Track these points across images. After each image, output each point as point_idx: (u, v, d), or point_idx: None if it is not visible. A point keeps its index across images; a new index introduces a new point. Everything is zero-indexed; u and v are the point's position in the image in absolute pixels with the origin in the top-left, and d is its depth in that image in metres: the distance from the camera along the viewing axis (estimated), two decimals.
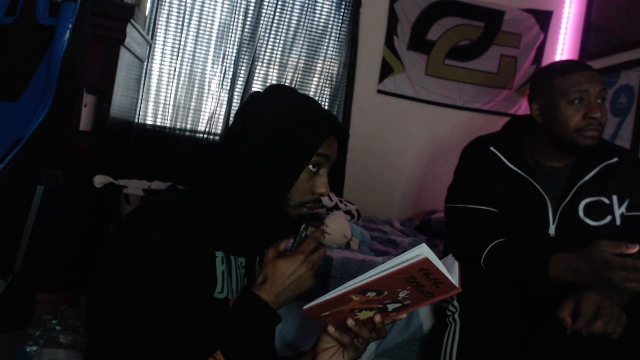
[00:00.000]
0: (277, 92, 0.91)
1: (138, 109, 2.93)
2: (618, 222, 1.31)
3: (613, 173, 1.33)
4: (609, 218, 1.31)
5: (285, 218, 0.88)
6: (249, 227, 0.90)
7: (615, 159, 1.33)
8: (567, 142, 1.30)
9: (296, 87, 3.12)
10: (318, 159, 0.87)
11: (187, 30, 2.98)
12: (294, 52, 3.11)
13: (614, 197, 1.32)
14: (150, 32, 2.90)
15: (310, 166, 0.87)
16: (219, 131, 3.06)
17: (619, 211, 1.31)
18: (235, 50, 3.03)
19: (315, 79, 3.18)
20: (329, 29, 3.14)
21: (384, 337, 0.86)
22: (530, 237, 1.33)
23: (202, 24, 3.00)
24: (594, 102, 1.26)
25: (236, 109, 3.01)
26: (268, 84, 3.08)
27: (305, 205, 0.89)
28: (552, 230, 1.33)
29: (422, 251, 0.69)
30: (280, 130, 0.84)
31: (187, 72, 3.01)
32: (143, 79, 2.93)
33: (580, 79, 1.27)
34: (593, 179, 1.32)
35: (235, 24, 3.02)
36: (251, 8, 3.03)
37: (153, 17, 2.91)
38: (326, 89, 3.17)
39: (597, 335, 1.07)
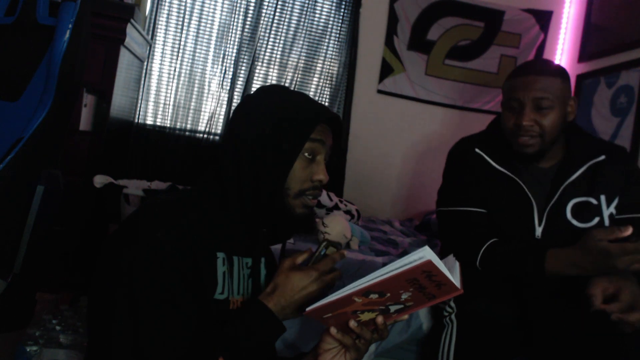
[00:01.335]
0: (268, 90, 0.93)
1: (138, 109, 2.93)
2: (606, 222, 1.29)
3: (601, 171, 1.31)
4: (596, 220, 1.29)
5: (285, 209, 0.88)
6: (252, 225, 0.91)
7: (602, 157, 1.31)
8: (510, 145, 1.32)
9: (296, 87, 3.12)
10: (312, 145, 0.87)
11: (187, 30, 2.98)
12: (294, 52, 3.11)
13: (602, 197, 1.30)
14: (150, 32, 2.90)
15: (306, 154, 0.87)
16: (219, 131, 3.06)
17: (607, 212, 1.30)
18: (235, 50, 3.03)
19: (315, 79, 3.18)
20: (329, 29, 3.14)
21: (385, 338, 0.86)
22: (518, 239, 1.31)
23: (202, 24, 3.00)
24: (527, 109, 1.26)
25: None
26: (268, 84, 3.09)
27: (305, 194, 0.89)
28: (538, 232, 1.31)
29: (425, 254, 0.69)
30: (273, 124, 0.85)
31: (187, 72, 3.01)
32: (143, 79, 2.93)
33: (516, 85, 1.28)
34: (580, 178, 1.31)
35: (235, 24, 3.02)
36: (251, 8, 3.03)
37: (153, 17, 2.91)
38: (326, 89, 3.17)
39: (619, 324, 1.08)
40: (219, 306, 0.83)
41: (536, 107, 1.26)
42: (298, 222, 0.91)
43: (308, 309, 0.78)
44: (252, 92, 0.95)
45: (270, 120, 0.86)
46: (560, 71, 1.30)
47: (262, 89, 0.93)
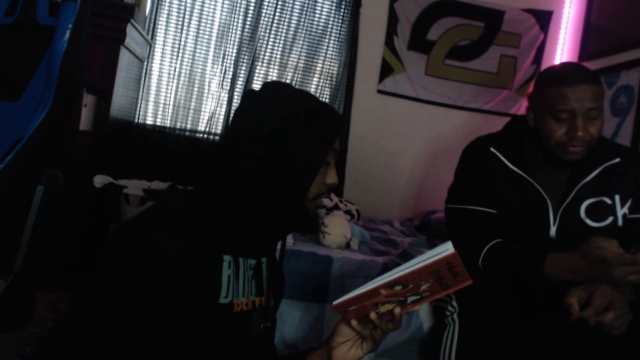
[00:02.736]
0: (276, 89, 0.92)
1: (138, 109, 2.93)
2: (620, 222, 1.30)
3: (616, 173, 1.32)
4: (610, 219, 1.30)
5: (305, 212, 0.91)
6: (267, 228, 0.92)
7: (617, 159, 1.32)
8: (552, 154, 1.29)
9: (296, 87, 3.12)
10: (330, 153, 0.92)
11: (187, 30, 2.98)
12: (294, 52, 3.11)
13: (617, 197, 1.31)
14: (150, 32, 2.90)
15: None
16: (219, 131, 3.06)
17: (621, 212, 1.30)
18: (235, 50, 3.03)
19: (315, 79, 3.18)
20: (329, 29, 3.14)
21: (399, 328, 0.90)
22: (531, 238, 1.32)
23: (202, 24, 3.00)
24: (580, 120, 1.22)
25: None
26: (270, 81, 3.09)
27: (320, 197, 0.94)
28: (552, 231, 1.32)
29: (449, 246, 0.77)
30: (293, 129, 0.86)
31: (187, 72, 3.01)
32: (143, 79, 2.93)
33: (568, 96, 1.21)
34: (595, 179, 1.31)
35: (235, 24, 3.02)
36: (251, 8, 3.03)
37: (153, 17, 2.91)
38: (326, 89, 3.17)
39: (601, 327, 1.08)
40: (223, 310, 0.82)
41: (587, 116, 1.23)
42: (310, 223, 0.94)
43: (336, 302, 0.83)
44: (253, 89, 0.94)
45: (290, 127, 0.86)
46: (599, 77, 1.27)
47: (269, 88, 0.92)
